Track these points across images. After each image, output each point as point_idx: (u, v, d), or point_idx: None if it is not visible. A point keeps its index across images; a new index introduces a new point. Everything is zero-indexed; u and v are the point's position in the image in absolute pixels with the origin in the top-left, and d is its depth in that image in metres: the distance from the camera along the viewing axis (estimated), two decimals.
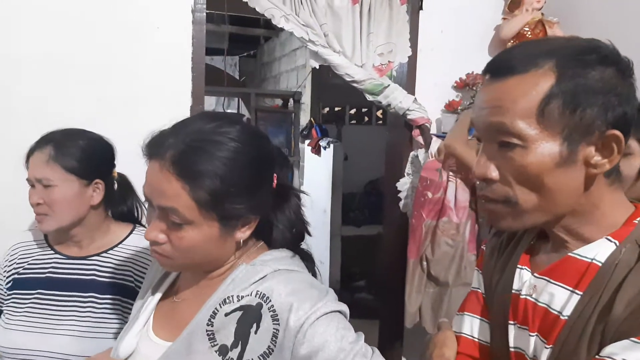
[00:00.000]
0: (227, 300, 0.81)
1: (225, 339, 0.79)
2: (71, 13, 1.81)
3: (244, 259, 0.87)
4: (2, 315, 1.26)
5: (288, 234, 0.91)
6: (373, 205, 4.73)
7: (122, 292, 1.25)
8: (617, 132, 0.67)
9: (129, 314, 1.24)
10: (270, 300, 0.79)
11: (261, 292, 0.80)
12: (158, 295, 0.94)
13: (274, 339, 0.77)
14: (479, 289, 0.91)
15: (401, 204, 2.34)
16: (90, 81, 1.84)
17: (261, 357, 0.77)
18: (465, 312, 0.91)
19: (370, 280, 4.29)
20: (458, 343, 0.89)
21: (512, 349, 0.78)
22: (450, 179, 2.13)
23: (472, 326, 0.89)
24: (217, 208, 0.79)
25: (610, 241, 0.71)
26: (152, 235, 0.81)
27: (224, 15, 2.91)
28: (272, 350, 0.77)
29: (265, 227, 0.90)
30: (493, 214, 0.74)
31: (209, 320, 0.81)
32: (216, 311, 0.81)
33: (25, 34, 1.77)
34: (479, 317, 0.89)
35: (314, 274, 0.92)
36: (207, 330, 0.80)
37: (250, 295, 0.80)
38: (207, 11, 1.97)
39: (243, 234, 0.84)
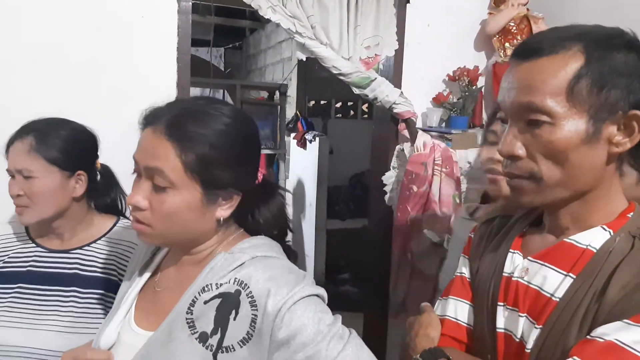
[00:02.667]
0: (206, 288, 0.82)
1: (205, 327, 0.80)
2: (54, 2, 1.77)
3: (224, 247, 0.88)
4: None
5: (272, 229, 0.93)
6: (358, 199, 4.75)
7: (105, 286, 1.22)
8: (639, 113, 0.71)
9: None
10: (248, 287, 0.80)
11: (239, 279, 0.81)
12: (139, 286, 0.94)
13: (252, 324, 0.78)
14: (464, 274, 0.94)
15: (386, 197, 2.35)
16: (73, 71, 1.80)
17: (240, 343, 0.78)
18: (450, 296, 0.93)
19: (355, 272, 4.31)
20: (442, 325, 0.91)
21: (499, 330, 0.80)
22: (435, 172, 2.15)
23: (456, 309, 0.91)
24: (201, 173, 0.80)
25: (605, 230, 0.75)
26: (135, 200, 0.81)
27: (209, 6, 2.88)
28: (252, 336, 0.78)
29: (248, 216, 0.92)
30: (517, 189, 0.78)
31: (189, 308, 0.81)
32: (195, 299, 0.82)
33: (11, 28, 1.72)
34: (463, 300, 0.91)
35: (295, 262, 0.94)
36: (186, 319, 0.81)
37: (229, 282, 0.81)
38: (193, 1, 1.94)
39: (224, 211, 0.85)
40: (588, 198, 0.76)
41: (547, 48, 0.72)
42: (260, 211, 0.93)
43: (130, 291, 0.93)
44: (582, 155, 0.71)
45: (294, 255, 0.95)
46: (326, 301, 0.84)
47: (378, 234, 2.44)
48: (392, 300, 2.26)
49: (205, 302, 0.81)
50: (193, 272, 0.87)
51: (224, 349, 0.78)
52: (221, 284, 0.82)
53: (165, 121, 0.81)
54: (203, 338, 0.79)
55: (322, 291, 0.84)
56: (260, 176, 0.92)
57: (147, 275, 0.95)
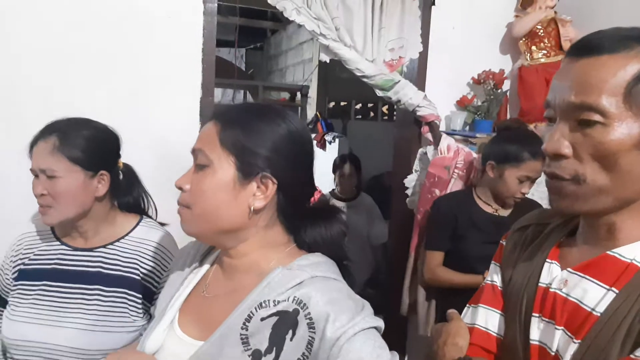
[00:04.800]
0: (264, 305, 0.79)
1: (259, 344, 0.77)
2: (80, 2, 1.79)
3: (280, 261, 0.85)
4: (7, 306, 1.24)
5: (320, 251, 0.89)
6: (377, 201, 4.71)
7: (128, 285, 1.23)
8: None
9: (136, 307, 1.22)
10: (307, 307, 0.77)
11: (298, 298, 0.78)
12: (187, 290, 0.92)
13: (309, 346, 0.75)
14: (496, 282, 0.91)
15: (408, 200, 2.33)
16: (99, 71, 1.82)
17: None
18: (480, 304, 0.90)
19: (374, 275, 4.27)
20: (471, 334, 0.88)
21: (533, 342, 0.78)
22: (453, 175, 2.13)
23: (487, 318, 0.89)
24: (236, 148, 0.82)
25: None
26: (180, 182, 0.85)
27: (232, 7, 2.89)
28: (307, 358, 0.75)
29: (296, 231, 0.90)
30: (557, 192, 0.74)
31: (244, 324, 0.79)
32: (252, 315, 0.79)
33: (35, 25, 1.75)
34: (495, 310, 0.89)
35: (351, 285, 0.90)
36: (241, 334, 0.78)
37: (287, 300, 0.79)
38: (218, 2, 1.95)
39: (258, 201, 0.83)
40: (632, 208, 0.72)
41: (608, 46, 0.69)
42: (306, 230, 0.89)
43: (178, 295, 0.91)
44: (632, 160, 0.68)
45: (352, 279, 0.92)
46: (381, 331, 0.81)
47: (398, 236, 2.43)
48: (404, 298, 2.24)
49: (262, 319, 0.78)
50: (246, 282, 0.84)
51: None
52: (279, 302, 0.79)
53: (225, 113, 0.86)
54: (256, 356, 0.77)
55: (381, 323, 0.80)
56: (317, 195, 0.90)
57: (195, 279, 0.93)
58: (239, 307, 0.81)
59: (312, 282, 0.80)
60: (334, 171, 3.29)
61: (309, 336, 0.75)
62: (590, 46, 0.70)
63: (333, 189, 3.32)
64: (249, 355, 0.77)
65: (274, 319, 0.78)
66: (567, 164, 0.71)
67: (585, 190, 0.71)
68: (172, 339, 0.87)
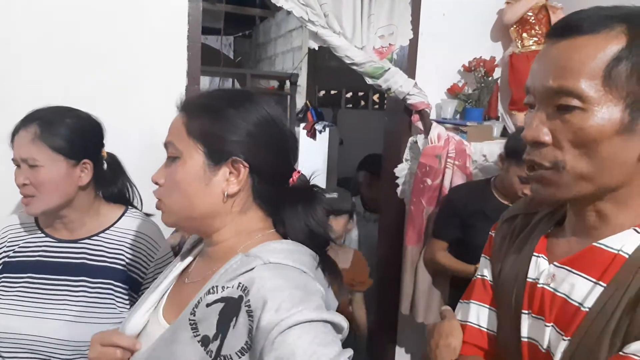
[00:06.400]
0: (212, 291, 0.78)
1: (207, 330, 0.75)
2: None
3: (247, 248, 0.82)
4: None
5: (299, 234, 0.86)
6: None
7: (113, 276, 1.22)
8: None
9: (122, 298, 1.22)
10: (249, 294, 0.74)
11: (243, 285, 0.75)
12: (172, 276, 0.92)
13: (250, 334, 0.72)
14: (486, 276, 0.89)
15: (399, 190, 2.31)
16: (83, 59, 1.77)
17: (239, 353, 0.72)
18: (472, 300, 0.89)
19: None
20: (463, 332, 0.87)
21: (524, 339, 0.76)
22: (447, 165, 2.11)
23: (478, 315, 0.87)
24: (203, 136, 0.82)
25: (638, 232, 0.69)
26: (155, 176, 0.86)
27: None
28: (250, 346, 0.72)
29: (278, 213, 0.88)
30: (537, 181, 0.72)
31: (193, 310, 0.78)
32: (200, 301, 0.78)
33: (19, 13, 1.70)
34: (486, 305, 0.87)
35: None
36: (189, 320, 0.77)
37: (233, 287, 0.76)
38: None
39: (231, 186, 0.82)
40: (616, 195, 0.70)
41: (588, 26, 0.66)
42: (285, 213, 0.87)
43: (163, 281, 0.92)
44: (613, 146, 0.65)
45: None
46: (342, 329, 0.75)
47: (390, 226, 2.41)
48: (404, 294, 2.23)
49: (208, 305, 0.76)
50: (215, 269, 0.83)
51: (222, 358, 0.73)
52: (226, 287, 0.76)
53: (191, 102, 0.86)
54: (205, 342, 0.75)
55: (332, 316, 0.73)
56: (295, 176, 0.87)
57: (181, 267, 0.93)
58: (198, 294, 0.80)
59: (262, 269, 0.76)
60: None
61: (249, 324, 0.72)
62: (570, 27, 0.68)
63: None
64: (198, 341, 0.75)
65: (220, 305, 0.75)
66: (547, 152, 0.69)
67: (567, 178, 0.68)
68: (154, 324, 0.87)
